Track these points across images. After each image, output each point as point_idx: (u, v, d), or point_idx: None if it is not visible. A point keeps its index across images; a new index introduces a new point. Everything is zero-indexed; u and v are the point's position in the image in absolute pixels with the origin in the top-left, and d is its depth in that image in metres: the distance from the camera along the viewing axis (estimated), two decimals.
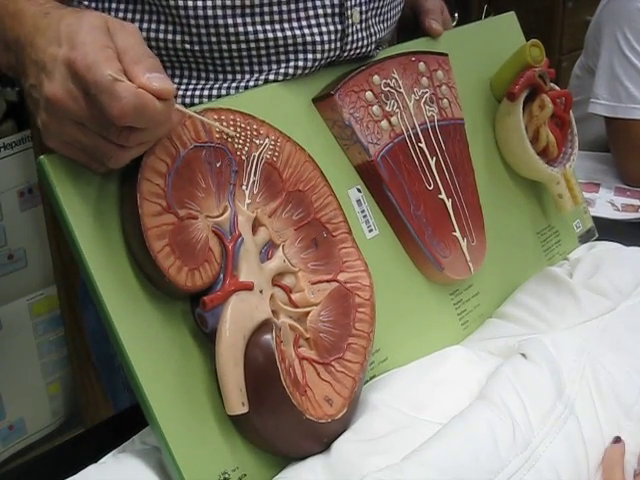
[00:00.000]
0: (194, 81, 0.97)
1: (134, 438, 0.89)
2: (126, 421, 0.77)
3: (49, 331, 2.00)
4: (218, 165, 0.79)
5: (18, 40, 0.75)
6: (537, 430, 0.81)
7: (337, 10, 0.95)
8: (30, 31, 0.73)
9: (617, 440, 0.84)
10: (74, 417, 2.09)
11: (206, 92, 0.96)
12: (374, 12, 1.01)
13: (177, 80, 0.98)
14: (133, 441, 0.89)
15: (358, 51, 0.99)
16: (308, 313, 0.84)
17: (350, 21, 0.96)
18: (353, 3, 0.96)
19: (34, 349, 1.97)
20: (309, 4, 0.94)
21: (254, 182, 0.82)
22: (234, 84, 0.95)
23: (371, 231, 0.96)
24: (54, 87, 0.68)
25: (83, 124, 0.69)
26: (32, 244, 1.89)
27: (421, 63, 1.03)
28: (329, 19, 0.95)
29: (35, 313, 1.96)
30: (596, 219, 1.36)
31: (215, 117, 0.80)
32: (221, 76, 0.96)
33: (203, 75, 0.96)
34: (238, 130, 0.81)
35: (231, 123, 0.81)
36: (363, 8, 0.98)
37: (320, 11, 0.94)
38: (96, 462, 0.84)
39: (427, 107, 1.02)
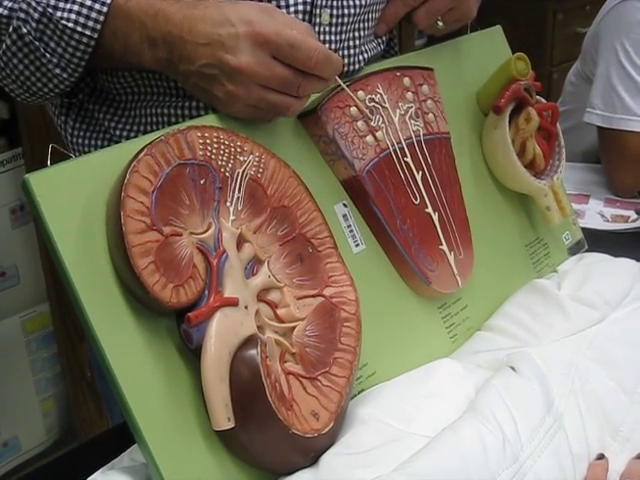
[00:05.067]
0: (173, 99, 0.98)
1: (123, 455, 0.89)
2: (119, 437, 0.77)
3: (42, 348, 1.99)
4: (202, 182, 0.80)
5: (169, 34, 0.85)
6: (526, 443, 0.81)
7: (308, 8, 0.98)
8: (181, 23, 0.84)
9: (601, 457, 0.84)
10: (68, 434, 2.08)
11: (187, 112, 0.97)
12: (348, 19, 1.03)
13: (160, 98, 1.00)
14: (122, 458, 0.89)
15: None
16: (294, 328, 0.84)
17: (318, 20, 0.99)
18: (323, 4, 0.99)
19: (27, 366, 1.97)
20: (282, 2, 0.97)
21: (238, 198, 0.83)
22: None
23: (358, 246, 0.97)
24: (243, 58, 0.82)
25: (267, 86, 0.83)
26: (24, 261, 1.89)
27: (406, 78, 1.04)
28: (299, 15, 0.98)
29: (28, 330, 1.96)
30: (586, 230, 1.36)
31: (199, 134, 0.81)
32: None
33: (180, 92, 0.98)
34: (222, 148, 0.82)
35: (214, 140, 0.82)
36: (334, 12, 1.00)
37: (292, 9, 0.97)
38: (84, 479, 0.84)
39: (412, 122, 1.03)
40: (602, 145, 1.85)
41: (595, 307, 1.04)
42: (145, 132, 1.01)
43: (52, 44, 0.90)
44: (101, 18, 0.87)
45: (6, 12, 0.91)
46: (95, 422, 1.99)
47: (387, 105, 1.00)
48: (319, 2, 0.99)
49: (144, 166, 0.76)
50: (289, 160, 0.89)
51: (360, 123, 0.97)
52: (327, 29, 1.01)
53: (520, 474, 0.79)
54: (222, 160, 0.82)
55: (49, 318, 1.98)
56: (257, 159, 0.85)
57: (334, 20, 1.01)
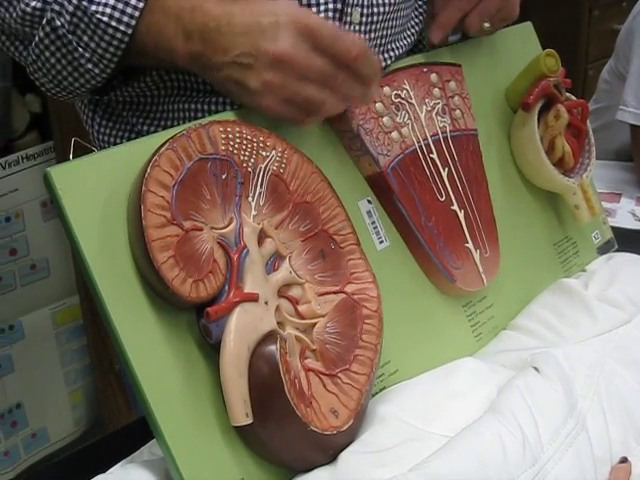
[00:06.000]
0: (200, 94, 0.98)
1: (143, 449, 0.90)
2: (144, 429, 0.77)
3: (72, 340, 2.01)
4: (224, 177, 0.80)
5: (205, 27, 0.85)
6: (547, 446, 0.80)
7: (339, 6, 0.97)
8: (220, 16, 0.84)
9: (624, 460, 0.83)
10: (96, 425, 2.09)
11: (213, 107, 0.97)
12: (378, 17, 1.02)
13: (187, 93, 1.00)
14: (142, 452, 0.90)
15: None
16: (315, 325, 0.84)
17: (349, 19, 0.98)
18: (355, 2, 0.98)
19: (57, 358, 1.98)
20: (313, 0, 0.96)
21: (260, 194, 0.82)
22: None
23: (382, 242, 0.96)
24: (283, 46, 0.81)
25: (305, 77, 0.83)
26: (55, 254, 1.90)
27: (433, 74, 1.03)
28: (329, 14, 0.97)
29: (58, 322, 1.97)
30: (617, 229, 1.34)
31: (221, 129, 0.81)
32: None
33: (207, 88, 0.98)
34: (244, 143, 0.82)
35: (237, 135, 0.82)
36: (365, 11, 0.99)
37: (322, 7, 0.97)
38: (104, 472, 0.84)
39: (439, 118, 1.02)
40: (634, 143, 1.84)
41: (622, 308, 1.03)
42: (171, 127, 1.01)
43: (85, 38, 0.90)
44: (136, 13, 0.87)
45: (39, 5, 0.90)
46: (123, 414, 2.00)
47: (413, 101, 1.00)
48: (351, 1, 0.98)
49: (165, 160, 0.76)
50: (313, 156, 0.89)
51: (386, 119, 0.97)
52: (357, 28, 1.00)
53: (540, 476, 0.78)
54: (244, 155, 0.82)
55: (79, 310, 2.00)
56: (280, 154, 0.85)
57: (364, 19, 1.01)
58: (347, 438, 0.83)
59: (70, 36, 0.90)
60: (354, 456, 0.81)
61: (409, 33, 1.15)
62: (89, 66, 0.91)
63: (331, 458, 0.82)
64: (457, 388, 0.92)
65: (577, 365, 0.90)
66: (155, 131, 1.03)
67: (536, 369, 0.89)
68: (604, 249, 1.28)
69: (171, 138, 0.77)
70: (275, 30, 0.81)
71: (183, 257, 0.75)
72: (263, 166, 0.83)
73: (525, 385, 0.87)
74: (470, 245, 1.02)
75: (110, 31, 0.88)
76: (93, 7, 0.87)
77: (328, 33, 0.82)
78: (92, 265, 0.74)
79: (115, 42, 0.89)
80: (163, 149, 0.76)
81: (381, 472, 0.77)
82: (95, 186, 0.76)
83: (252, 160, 0.82)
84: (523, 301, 1.12)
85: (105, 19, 0.87)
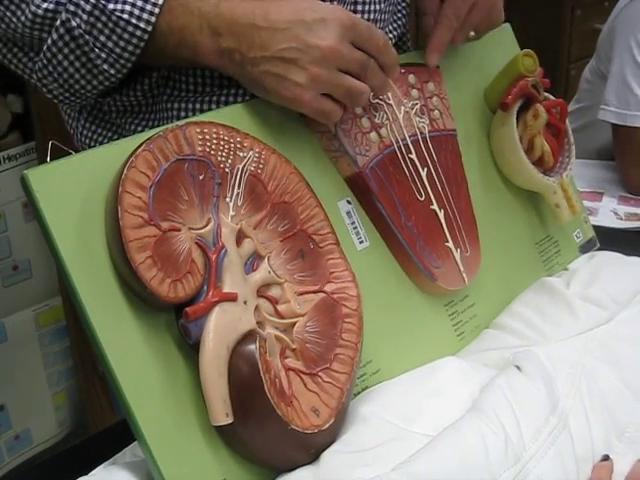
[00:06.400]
0: (190, 95, 0.98)
1: (125, 450, 0.90)
2: (126, 431, 0.77)
3: (55, 342, 2.00)
4: (201, 178, 0.80)
5: (235, 23, 0.87)
6: (529, 444, 0.80)
7: None
8: (252, 12, 0.86)
9: (605, 458, 0.83)
10: (80, 427, 2.08)
11: (198, 106, 0.97)
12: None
13: (174, 92, 1.00)
14: (124, 453, 0.89)
15: None
16: (294, 324, 0.84)
17: None
18: (353, 9, 1.01)
19: (40, 360, 1.97)
20: None
21: (238, 194, 0.83)
22: (221, 97, 0.97)
23: (362, 243, 0.97)
24: (332, 42, 0.85)
25: (346, 69, 0.87)
26: (37, 255, 1.89)
27: (411, 75, 1.04)
28: None
29: (41, 324, 1.96)
30: (599, 228, 1.35)
31: (198, 130, 0.81)
32: (208, 89, 0.97)
33: (193, 89, 0.98)
34: (221, 143, 0.82)
35: (214, 136, 0.82)
36: (365, 17, 1.02)
37: None
38: (87, 474, 0.84)
39: (417, 118, 1.03)
40: (616, 142, 1.85)
41: (604, 306, 1.03)
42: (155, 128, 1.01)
43: (102, 38, 0.89)
44: (156, 10, 0.87)
45: (52, 6, 0.89)
46: (107, 416, 1.99)
47: (391, 102, 1.00)
48: (350, 8, 1.01)
49: (142, 161, 0.76)
50: (292, 157, 0.89)
51: (364, 120, 0.97)
52: None
53: (522, 475, 0.78)
54: (222, 156, 0.82)
55: (62, 312, 1.99)
56: (257, 155, 0.85)
57: None
58: (329, 437, 0.83)
59: (87, 36, 0.89)
60: (336, 456, 0.81)
61: (391, 36, 1.15)
62: (104, 67, 0.91)
63: (313, 457, 0.82)
64: (439, 387, 0.92)
65: (559, 364, 0.91)
66: (142, 131, 1.03)
67: (518, 368, 0.90)
68: (586, 248, 1.28)
69: (148, 139, 0.78)
70: (322, 26, 0.85)
71: (161, 257, 0.75)
72: (241, 167, 0.83)
73: (507, 384, 0.87)
74: (450, 244, 1.02)
75: (130, 29, 0.87)
76: (111, 5, 0.87)
77: (365, 27, 0.88)
78: (70, 267, 0.74)
79: (134, 40, 0.88)
80: (140, 150, 0.76)
81: (364, 472, 0.77)
82: (72, 188, 0.76)
83: (229, 161, 0.83)
84: (505, 300, 1.12)
85: (125, 16, 0.87)
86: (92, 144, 1.08)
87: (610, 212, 1.66)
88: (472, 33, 1.11)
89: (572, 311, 1.03)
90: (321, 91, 0.87)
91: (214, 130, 0.82)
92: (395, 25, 1.17)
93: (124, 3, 0.87)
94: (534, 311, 1.06)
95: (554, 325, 1.03)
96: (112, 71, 0.91)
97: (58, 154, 0.79)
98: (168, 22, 0.88)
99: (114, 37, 0.88)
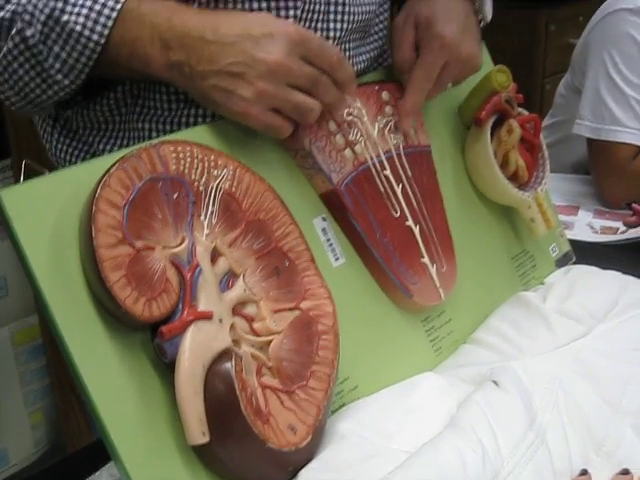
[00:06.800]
0: (158, 112, 0.98)
1: (102, 470, 0.89)
2: (103, 450, 0.77)
3: (31, 360, 1.99)
4: (175, 196, 0.80)
5: (186, 36, 0.86)
6: (507, 460, 0.80)
7: None
8: (203, 25, 0.86)
9: (584, 472, 0.83)
10: (57, 446, 2.08)
11: (168, 127, 0.98)
12: (332, 42, 1.03)
13: (144, 110, 1.00)
14: (101, 473, 0.89)
15: None
16: (270, 342, 0.84)
17: None
18: (307, 26, 1.00)
19: (16, 378, 1.97)
20: None
21: (213, 212, 0.83)
22: (190, 119, 0.98)
23: (337, 260, 0.97)
24: (278, 56, 0.84)
25: (295, 85, 0.86)
26: (13, 273, 1.88)
27: (384, 92, 1.04)
28: None
29: (17, 342, 1.95)
30: (575, 242, 1.35)
31: (171, 149, 0.81)
32: (182, 106, 0.98)
33: (160, 106, 0.98)
34: (195, 162, 0.82)
35: (188, 154, 0.82)
36: (318, 34, 1.01)
37: None
38: None
39: (392, 135, 1.03)
40: (591, 156, 1.86)
41: (580, 320, 1.04)
42: (127, 147, 1.01)
43: (56, 48, 0.89)
44: (110, 23, 0.87)
45: (8, 15, 0.90)
46: (84, 435, 1.99)
47: (365, 119, 1.01)
48: (303, 25, 1.00)
49: (116, 180, 0.76)
50: (266, 174, 0.89)
51: (338, 137, 0.97)
52: None
53: None
54: (196, 174, 0.82)
55: (38, 330, 1.98)
56: (231, 173, 0.85)
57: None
58: (306, 454, 0.83)
59: (41, 46, 0.89)
60: (314, 474, 0.81)
61: (372, 47, 1.16)
62: (59, 77, 0.91)
63: (290, 475, 0.82)
64: (417, 404, 0.92)
65: (536, 378, 0.91)
66: (112, 150, 1.03)
67: (495, 383, 0.90)
68: (562, 262, 1.29)
69: (121, 158, 0.77)
70: (269, 41, 0.85)
71: (135, 276, 0.75)
72: (215, 185, 0.83)
73: (484, 399, 0.87)
74: (426, 260, 1.03)
75: (83, 40, 0.88)
76: (65, 16, 0.87)
77: (316, 42, 0.87)
78: (44, 287, 0.74)
79: (87, 52, 0.88)
80: (113, 169, 0.76)
81: None
82: (46, 208, 0.76)
83: (204, 179, 0.83)
84: (482, 315, 1.12)
85: (78, 28, 0.87)
86: (66, 160, 1.08)
87: (586, 226, 1.66)
88: (450, 85, 1.10)
89: (549, 325, 1.04)
90: (268, 106, 0.86)
91: (188, 149, 0.82)
92: (371, 47, 1.17)
93: (78, 15, 0.87)
94: (511, 326, 1.06)
95: (531, 339, 1.03)
96: (66, 81, 0.92)
97: (32, 173, 0.79)
98: (121, 34, 0.88)
99: (67, 48, 0.89)
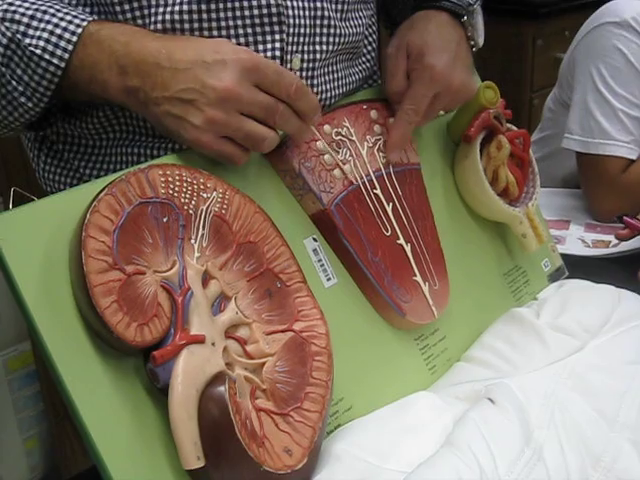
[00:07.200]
0: (143, 138, 0.99)
1: None
2: (98, 476, 0.76)
3: (24, 387, 1.98)
4: (165, 220, 0.80)
5: (142, 62, 0.86)
6: (504, 477, 0.80)
7: (277, 53, 0.98)
8: (158, 51, 0.85)
9: None
10: (52, 472, 2.07)
11: (155, 152, 0.98)
12: (318, 64, 1.03)
13: (129, 136, 1.00)
14: None
15: None
16: (264, 364, 0.84)
17: (289, 66, 1.00)
18: (294, 50, 0.99)
19: (10, 405, 1.96)
20: (252, 48, 0.97)
21: (203, 235, 0.83)
22: (177, 145, 0.98)
23: (329, 280, 0.96)
24: (228, 83, 0.83)
25: (248, 113, 0.84)
26: (4, 300, 1.87)
27: (373, 111, 1.04)
28: None
29: (10, 369, 1.95)
30: (567, 256, 1.36)
31: (160, 172, 0.81)
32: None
33: (150, 132, 0.98)
34: (184, 185, 0.82)
35: (177, 178, 0.82)
36: (305, 57, 1.01)
37: (261, 55, 0.98)
38: None
39: (381, 154, 1.03)
40: (581, 170, 1.86)
41: (574, 335, 1.03)
42: (115, 172, 1.01)
43: (19, 71, 0.90)
44: (70, 47, 0.87)
45: None
46: (79, 460, 1.97)
47: (354, 138, 1.01)
48: (290, 48, 1.00)
49: (105, 205, 0.76)
50: (256, 196, 0.89)
51: (327, 157, 0.97)
52: (298, 74, 1.02)
53: None
54: (185, 197, 0.82)
55: (31, 356, 1.97)
56: (221, 196, 0.85)
57: (305, 65, 1.03)
58: (302, 477, 0.82)
59: (3, 69, 0.90)
60: None
61: (362, 68, 1.16)
62: (22, 100, 0.91)
63: None
64: (412, 423, 0.92)
65: (532, 395, 0.91)
66: (98, 176, 1.03)
67: (491, 400, 0.89)
68: (555, 277, 1.29)
69: (110, 183, 0.77)
70: (221, 67, 0.83)
71: (126, 301, 0.75)
72: (204, 208, 0.83)
73: (480, 417, 0.87)
74: (418, 278, 1.02)
75: (43, 64, 0.88)
76: (27, 40, 0.88)
77: (272, 70, 0.85)
78: (35, 314, 0.73)
79: (48, 75, 0.89)
80: (102, 194, 0.76)
81: None
82: (36, 234, 0.75)
83: (193, 202, 0.83)
84: (475, 332, 1.12)
85: (38, 52, 0.88)
86: (54, 181, 1.08)
87: (577, 240, 1.66)
88: (442, 113, 1.12)
89: (543, 341, 1.03)
90: (219, 134, 0.85)
91: (177, 172, 0.82)
92: (361, 67, 1.17)
93: (39, 38, 0.88)
94: (505, 342, 1.06)
95: (525, 356, 1.03)
96: (30, 104, 0.92)
97: (21, 200, 0.79)
98: (81, 59, 0.88)
99: (29, 71, 0.89)
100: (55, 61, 0.88)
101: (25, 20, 0.89)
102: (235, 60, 0.83)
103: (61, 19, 0.88)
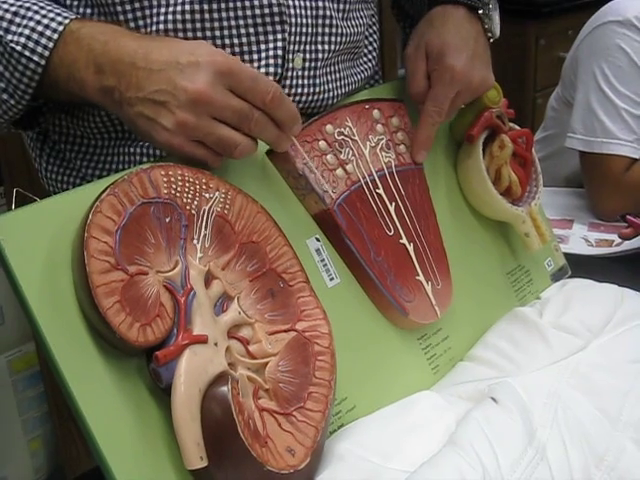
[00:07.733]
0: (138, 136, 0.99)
1: None
2: (103, 476, 0.76)
3: (29, 388, 1.99)
4: (167, 220, 0.80)
5: (119, 61, 0.84)
6: (507, 477, 0.80)
7: (280, 52, 0.98)
8: (135, 51, 0.84)
9: None
10: (57, 473, 2.07)
11: (158, 151, 0.97)
12: (320, 63, 1.03)
13: (132, 136, 1.00)
14: None
15: (298, 98, 1.01)
16: (266, 364, 0.84)
17: (291, 65, 1.00)
18: (296, 49, 0.99)
19: (14, 406, 1.96)
20: (254, 48, 0.97)
21: (205, 235, 0.83)
22: None
23: (332, 279, 0.96)
24: (200, 85, 0.80)
25: (220, 118, 0.82)
26: (9, 301, 1.88)
27: (375, 110, 1.04)
28: (270, 60, 0.98)
29: (14, 370, 1.95)
30: (570, 255, 1.36)
31: (162, 173, 0.81)
32: None
33: None
34: (187, 185, 0.82)
35: (179, 178, 0.82)
36: (307, 56, 1.01)
37: (263, 54, 0.98)
38: None
39: (383, 153, 1.03)
40: (584, 169, 1.86)
41: (577, 334, 1.03)
42: (117, 172, 1.01)
43: (0, 68, 0.90)
44: (50, 45, 0.87)
45: None
46: (83, 461, 1.98)
47: (357, 138, 1.01)
48: (292, 48, 1.00)
49: (107, 206, 0.76)
50: (258, 196, 0.89)
51: (329, 156, 0.97)
52: (300, 73, 1.02)
53: None
54: (187, 198, 0.82)
55: (35, 357, 1.97)
56: (223, 196, 0.85)
57: (307, 64, 1.03)
58: (305, 477, 0.82)
59: None
60: None
61: (364, 68, 1.16)
62: (4, 96, 0.92)
63: None
64: (415, 422, 0.92)
65: (535, 394, 0.91)
66: (100, 175, 1.03)
67: (494, 400, 0.89)
68: (558, 276, 1.29)
69: (112, 183, 0.77)
70: (194, 69, 0.81)
71: (129, 302, 0.75)
72: (207, 208, 0.83)
73: (483, 416, 0.87)
74: (421, 277, 1.02)
75: (24, 61, 0.88)
76: (9, 36, 0.88)
77: (247, 75, 0.83)
78: (38, 314, 0.74)
79: (29, 72, 0.89)
80: (104, 195, 0.76)
81: None
82: (38, 235, 0.76)
83: (195, 202, 0.83)
84: (478, 332, 1.12)
85: (19, 48, 0.88)
86: (57, 180, 1.08)
87: (581, 239, 1.66)
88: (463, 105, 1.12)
89: (546, 340, 1.03)
90: (190, 137, 0.83)
91: (179, 172, 0.82)
92: (363, 67, 1.17)
93: (20, 35, 0.88)
94: (508, 342, 1.06)
95: (528, 355, 1.03)
96: (12, 101, 0.92)
97: (24, 201, 0.79)
98: (61, 56, 0.88)
99: (10, 68, 0.90)
100: (35, 58, 0.88)
101: (8, 16, 0.89)
102: (209, 62, 0.81)
103: (44, 16, 0.88)
